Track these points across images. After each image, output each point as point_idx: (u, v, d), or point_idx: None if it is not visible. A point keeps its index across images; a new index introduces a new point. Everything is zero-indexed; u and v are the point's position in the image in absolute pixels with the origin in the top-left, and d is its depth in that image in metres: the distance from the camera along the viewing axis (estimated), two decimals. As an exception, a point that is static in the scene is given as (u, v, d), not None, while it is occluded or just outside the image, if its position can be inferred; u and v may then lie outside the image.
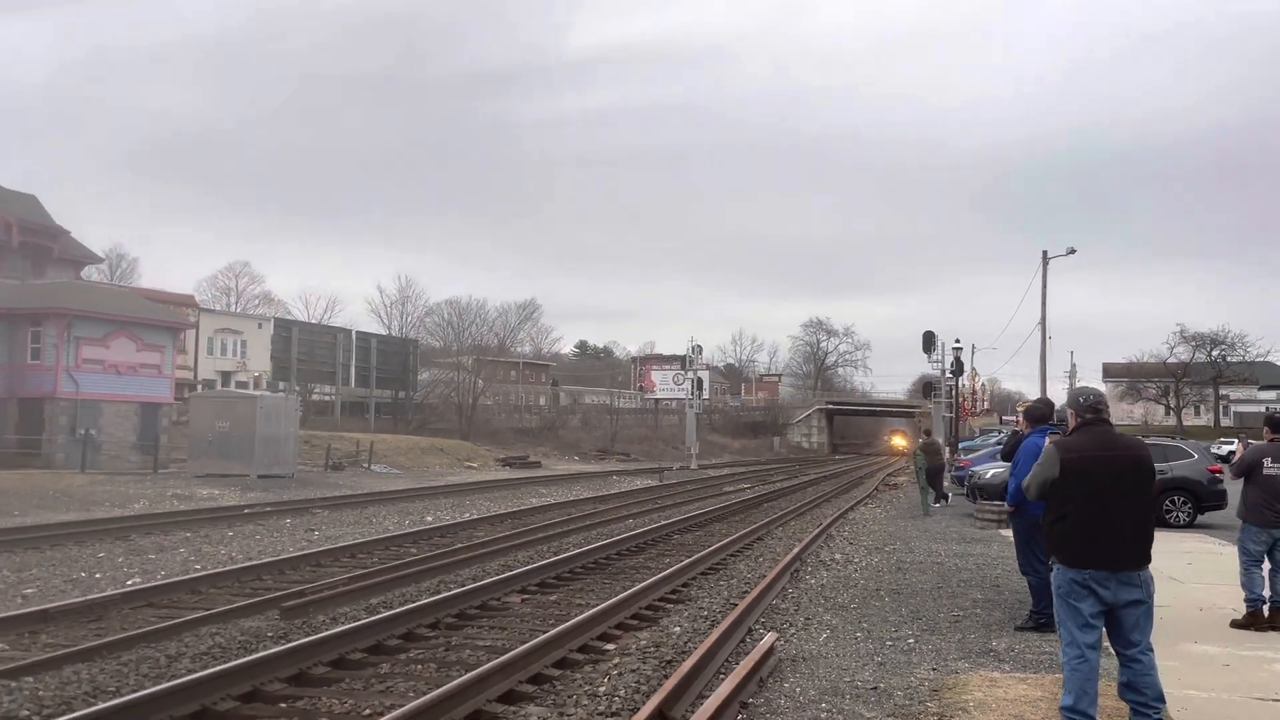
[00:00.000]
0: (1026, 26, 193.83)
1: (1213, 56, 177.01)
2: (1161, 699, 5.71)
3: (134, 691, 6.88)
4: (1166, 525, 19.36)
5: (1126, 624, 5.67)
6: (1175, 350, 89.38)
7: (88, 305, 39.55)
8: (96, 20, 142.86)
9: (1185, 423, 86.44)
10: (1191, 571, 13.16)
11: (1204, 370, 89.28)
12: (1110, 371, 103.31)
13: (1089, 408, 6.02)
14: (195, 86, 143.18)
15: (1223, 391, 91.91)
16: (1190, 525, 19.39)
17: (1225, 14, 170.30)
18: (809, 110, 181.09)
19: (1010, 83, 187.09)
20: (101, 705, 6.37)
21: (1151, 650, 5.75)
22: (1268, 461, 9.18)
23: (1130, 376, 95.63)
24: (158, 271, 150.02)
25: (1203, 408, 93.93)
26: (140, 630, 9.00)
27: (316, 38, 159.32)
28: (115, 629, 9.32)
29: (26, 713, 6.62)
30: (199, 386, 58.27)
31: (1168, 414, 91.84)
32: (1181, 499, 19.78)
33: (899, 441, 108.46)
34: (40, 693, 7.08)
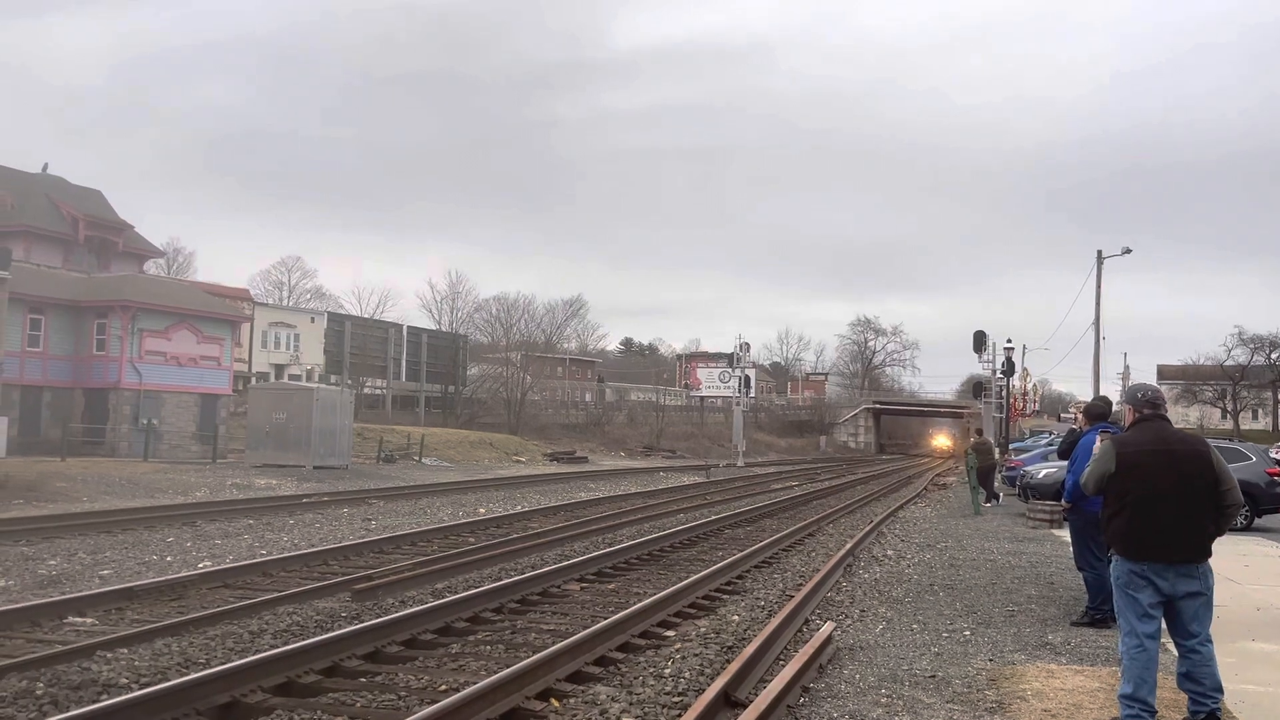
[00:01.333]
0: (1086, 23, 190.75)
1: (1275, 57, 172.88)
2: (1220, 689, 5.83)
3: (223, 663, 7.25)
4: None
5: (1185, 615, 5.80)
6: (1233, 352, 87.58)
7: (151, 298, 40.65)
8: (152, 20, 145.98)
9: (1242, 426, 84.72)
10: (1249, 573, 13.11)
11: (1262, 374, 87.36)
12: (1165, 374, 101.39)
13: (1147, 402, 6.16)
14: (247, 85, 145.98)
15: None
16: (1248, 528, 19.19)
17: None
18: (857, 107, 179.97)
19: (1067, 81, 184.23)
20: (194, 675, 6.74)
21: (1210, 642, 5.88)
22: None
23: (1186, 379, 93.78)
24: (213, 266, 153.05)
25: (1260, 411, 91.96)
26: (223, 608, 9.42)
27: (365, 36, 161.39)
28: (196, 607, 9.74)
29: (125, 680, 7.02)
30: (253, 379, 59.44)
31: (1224, 417, 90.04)
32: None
33: (942, 442, 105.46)
34: (135, 663, 7.48)
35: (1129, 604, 5.86)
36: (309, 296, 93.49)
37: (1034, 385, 56.22)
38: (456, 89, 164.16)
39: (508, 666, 7.14)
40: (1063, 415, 58.24)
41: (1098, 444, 6.52)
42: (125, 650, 7.80)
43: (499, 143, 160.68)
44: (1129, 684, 5.73)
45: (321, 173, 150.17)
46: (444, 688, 7.04)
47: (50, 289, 38.59)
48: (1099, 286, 40.27)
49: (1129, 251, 40.69)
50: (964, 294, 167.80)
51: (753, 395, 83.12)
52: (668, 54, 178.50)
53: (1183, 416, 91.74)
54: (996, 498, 25.88)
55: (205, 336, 41.84)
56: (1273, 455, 20.53)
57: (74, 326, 38.97)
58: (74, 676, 7.04)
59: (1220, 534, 5.90)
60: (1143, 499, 5.83)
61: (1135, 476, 5.89)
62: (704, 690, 6.55)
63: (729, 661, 7.47)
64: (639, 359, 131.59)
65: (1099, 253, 40.40)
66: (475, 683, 6.68)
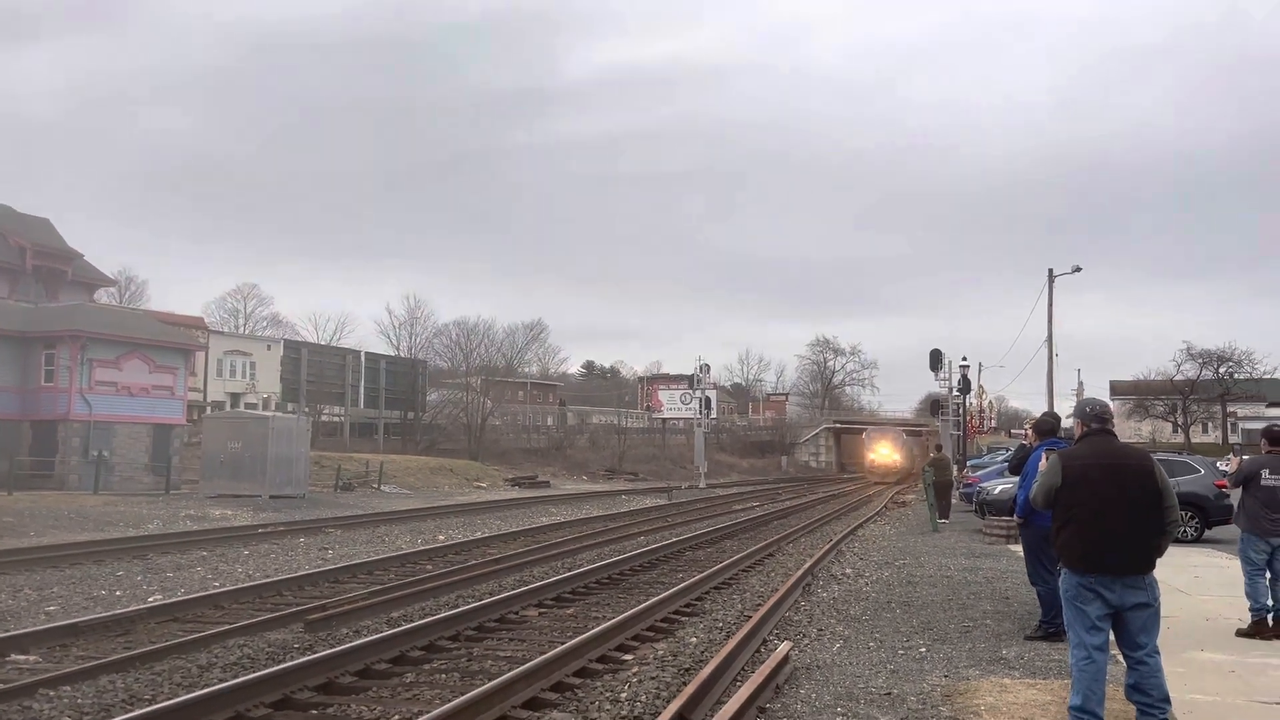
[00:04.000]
0: (1028, 47, 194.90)
1: (1215, 74, 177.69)
2: (1167, 700, 5.90)
3: (169, 699, 7.10)
4: (1174, 540, 19.50)
5: (1133, 627, 5.87)
6: (1182, 368, 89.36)
7: (101, 327, 39.96)
8: (103, 51, 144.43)
9: (1193, 439, 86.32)
10: (1198, 584, 13.32)
11: (1211, 388, 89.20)
12: (1118, 389, 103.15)
13: (1094, 417, 6.25)
14: (199, 115, 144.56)
15: (1230, 408, 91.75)
16: (1198, 540, 19.52)
17: (1226, 32, 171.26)
18: (812, 133, 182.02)
19: (1012, 105, 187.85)
20: (137, 711, 6.59)
21: (1158, 653, 5.94)
22: (1266, 473, 9.37)
23: (1138, 394, 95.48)
24: (167, 294, 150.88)
25: (1210, 425, 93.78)
26: (170, 642, 9.23)
27: (319, 67, 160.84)
28: (144, 642, 9.53)
29: (68, 719, 6.84)
30: (208, 408, 58.53)
31: (1175, 431, 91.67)
32: (1188, 514, 19.89)
33: (883, 455, 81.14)
34: (79, 700, 7.30)
35: (1077, 616, 5.93)
36: (266, 324, 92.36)
37: (990, 402, 56.96)
38: (411, 117, 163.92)
39: (462, 695, 7.06)
40: (1013, 431, 58.89)
41: (1043, 459, 6.61)
42: (68, 688, 7.60)
43: (455, 169, 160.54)
44: (1078, 695, 5.79)
45: (277, 200, 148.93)
46: (397, 717, 6.94)
47: (-4, 319, 37.84)
48: (1050, 304, 41.00)
49: (1079, 270, 41.52)
50: (921, 313, 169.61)
51: (714, 416, 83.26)
52: (620, 81, 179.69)
53: (1135, 431, 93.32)
54: (944, 517, 25.61)
55: (157, 366, 41.19)
56: (1220, 467, 20.91)
57: (21, 357, 38.19)
58: (15, 715, 6.86)
59: (1164, 549, 5.98)
60: (1089, 512, 5.90)
61: (1081, 490, 5.96)
62: (659, 714, 6.52)
63: (685, 684, 7.44)
64: (601, 382, 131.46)
65: (1050, 271, 41.17)
66: (428, 712, 6.60)
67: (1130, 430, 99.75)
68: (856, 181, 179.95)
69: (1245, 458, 10.04)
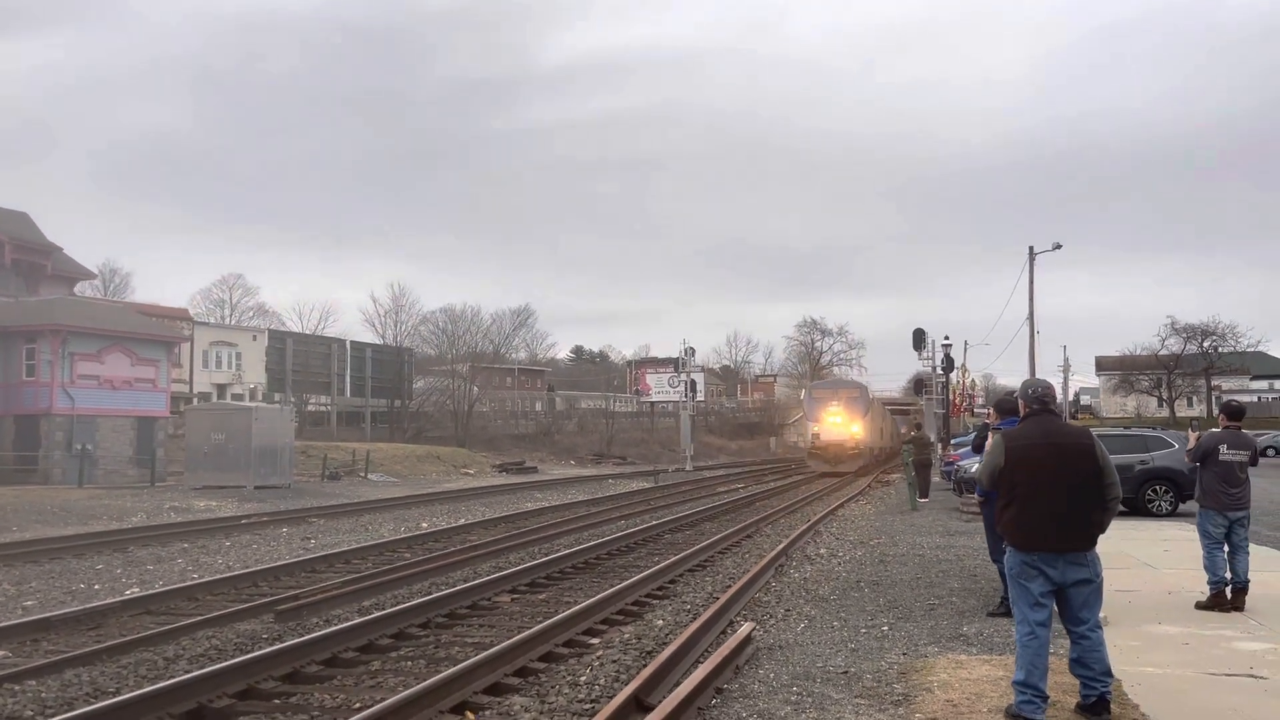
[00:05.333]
0: (1003, 24, 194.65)
1: (1185, 47, 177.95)
2: (1109, 673, 6.02)
3: (132, 691, 7.16)
4: (1149, 514, 19.72)
5: (1075, 603, 5.97)
6: (1167, 342, 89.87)
7: (81, 321, 39.79)
8: (85, 41, 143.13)
9: (1178, 414, 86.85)
10: (1167, 558, 13.47)
11: (1196, 362, 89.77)
12: (1103, 365, 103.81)
13: (1036, 399, 6.35)
14: (181, 104, 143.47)
15: (1215, 382, 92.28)
16: (1172, 514, 19.72)
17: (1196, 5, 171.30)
18: (792, 115, 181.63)
19: (992, 84, 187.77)
20: (99, 704, 6.65)
21: (1100, 628, 6.06)
22: (1223, 448, 9.50)
23: (1123, 369, 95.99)
24: (151, 286, 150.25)
25: (1195, 399, 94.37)
26: (138, 635, 9.29)
27: (300, 55, 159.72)
28: (114, 635, 9.59)
29: (30, 713, 6.90)
30: (194, 399, 58.39)
31: (1161, 406, 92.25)
32: (1163, 488, 20.11)
33: (835, 427, 44.54)
34: (43, 694, 7.36)
35: (1021, 593, 6.04)
36: (251, 314, 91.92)
37: (973, 381, 57.07)
38: (391, 105, 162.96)
39: (423, 680, 7.13)
40: (975, 410, 58.58)
41: (990, 439, 6.70)
42: (33, 682, 7.66)
43: (436, 156, 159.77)
44: (1021, 670, 5.90)
45: (260, 190, 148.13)
46: (358, 705, 7.01)
47: (-24, 314, 37.66)
48: (1031, 281, 41.19)
49: (1059, 247, 41.65)
50: (907, 292, 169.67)
51: (701, 399, 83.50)
52: (599, 66, 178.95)
53: (1121, 406, 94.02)
54: (924, 496, 25.53)
55: (140, 358, 41.05)
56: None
57: (1, 352, 38.02)
58: (-22, 711, 6.92)
59: (1105, 525, 6.07)
60: (1030, 491, 6.00)
61: (1023, 469, 6.06)
62: (615, 696, 6.61)
63: (645, 666, 7.53)
64: (590, 367, 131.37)
65: (1030, 248, 41.34)
66: (390, 698, 6.67)
67: (1115, 405, 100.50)
68: (841, 164, 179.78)
69: (1203, 433, 10.16)
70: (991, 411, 10.48)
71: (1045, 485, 5.95)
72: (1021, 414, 6.50)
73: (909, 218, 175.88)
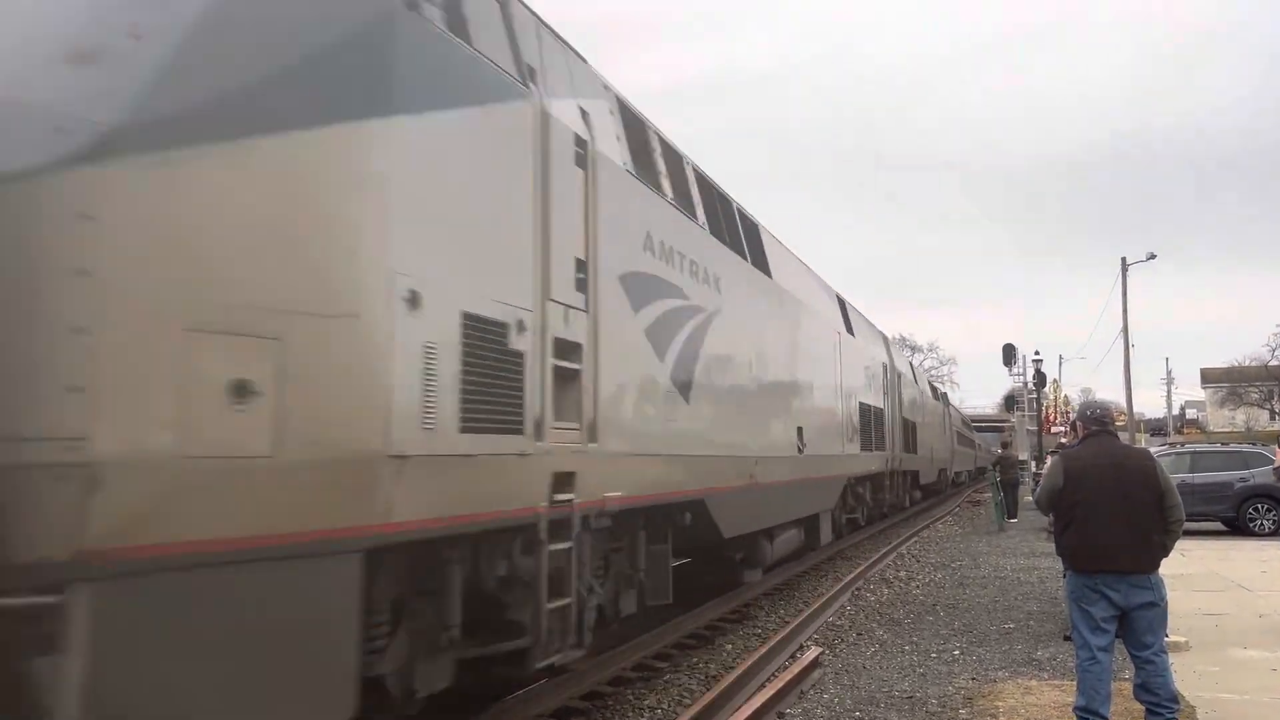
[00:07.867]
0: (1101, 26, 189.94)
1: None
2: (1175, 700, 5.88)
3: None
4: (1250, 533, 18.94)
5: (1139, 627, 5.86)
6: (1277, 352, 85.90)
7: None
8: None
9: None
10: (1263, 579, 12.96)
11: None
12: (1209, 377, 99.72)
13: (1094, 419, 6.29)
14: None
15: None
16: (1276, 533, 18.90)
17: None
18: (878, 130, 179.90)
19: (1081, 92, 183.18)
20: None
21: (1165, 652, 5.94)
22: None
23: (1230, 381, 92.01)
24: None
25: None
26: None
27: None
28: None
29: None
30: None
31: (1273, 419, 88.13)
32: (1265, 506, 19.31)
33: None
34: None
35: (1082, 617, 5.95)
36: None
37: (1065, 396, 55.29)
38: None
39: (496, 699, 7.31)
40: (1053, 430, 56.35)
41: (1047, 461, 6.64)
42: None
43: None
44: (1082, 696, 5.82)
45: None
46: None
47: None
48: (1125, 293, 40.05)
49: (1154, 257, 40.45)
50: (999, 307, 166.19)
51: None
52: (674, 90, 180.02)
53: (1229, 420, 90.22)
54: (1012, 516, 24.80)
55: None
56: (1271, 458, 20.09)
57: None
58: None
59: (1169, 548, 5.95)
60: (1090, 511, 5.93)
61: (1082, 491, 5.99)
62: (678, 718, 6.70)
63: (708, 690, 7.60)
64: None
65: (1123, 259, 40.23)
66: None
67: (1223, 419, 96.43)
68: (926, 178, 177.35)
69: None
70: (1068, 431, 10.29)
71: (1105, 506, 5.87)
72: (1080, 435, 6.43)
73: (1011, 227, 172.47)
